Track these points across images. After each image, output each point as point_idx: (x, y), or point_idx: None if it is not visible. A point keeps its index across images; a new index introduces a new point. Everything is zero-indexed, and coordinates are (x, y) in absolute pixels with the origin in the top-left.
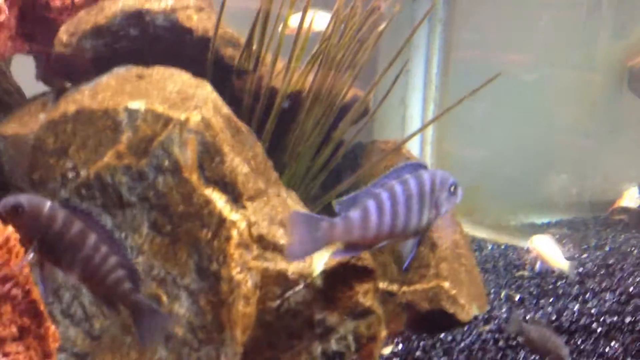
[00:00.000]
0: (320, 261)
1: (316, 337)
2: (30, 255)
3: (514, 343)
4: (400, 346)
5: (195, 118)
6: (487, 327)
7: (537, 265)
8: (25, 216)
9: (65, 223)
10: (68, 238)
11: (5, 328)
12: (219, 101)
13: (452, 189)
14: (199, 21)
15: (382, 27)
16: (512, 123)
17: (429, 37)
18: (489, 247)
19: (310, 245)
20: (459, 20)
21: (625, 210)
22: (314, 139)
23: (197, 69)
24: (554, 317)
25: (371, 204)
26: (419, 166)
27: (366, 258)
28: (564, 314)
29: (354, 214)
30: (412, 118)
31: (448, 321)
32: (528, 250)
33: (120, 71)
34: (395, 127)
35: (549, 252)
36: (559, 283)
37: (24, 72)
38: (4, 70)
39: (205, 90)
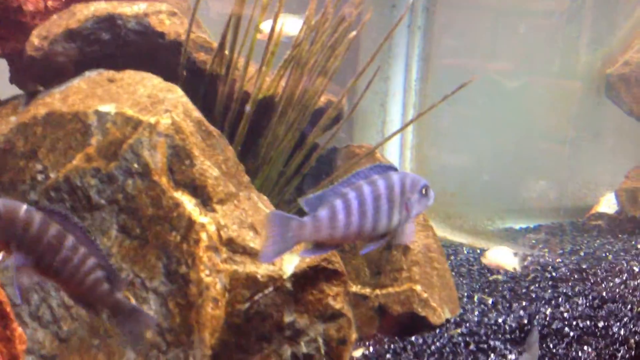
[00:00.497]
0: (290, 264)
1: (286, 340)
2: None
3: (485, 346)
4: (371, 349)
5: (165, 121)
6: (459, 330)
7: (502, 274)
8: (1, 220)
9: (42, 226)
10: (45, 241)
11: None
12: (190, 105)
13: (423, 191)
14: (171, 25)
15: (352, 34)
16: (492, 129)
17: (408, 44)
18: (465, 252)
19: (282, 245)
20: (438, 28)
21: (601, 216)
22: (286, 143)
23: (169, 74)
24: (525, 321)
25: (338, 203)
26: (389, 168)
27: (336, 261)
28: (536, 317)
29: (322, 213)
30: (392, 123)
31: (420, 324)
32: (487, 264)
33: (91, 75)
34: (375, 132)
35: (500, 259)
36: (532, 287)
37: None
38: None
39: (176, 95)
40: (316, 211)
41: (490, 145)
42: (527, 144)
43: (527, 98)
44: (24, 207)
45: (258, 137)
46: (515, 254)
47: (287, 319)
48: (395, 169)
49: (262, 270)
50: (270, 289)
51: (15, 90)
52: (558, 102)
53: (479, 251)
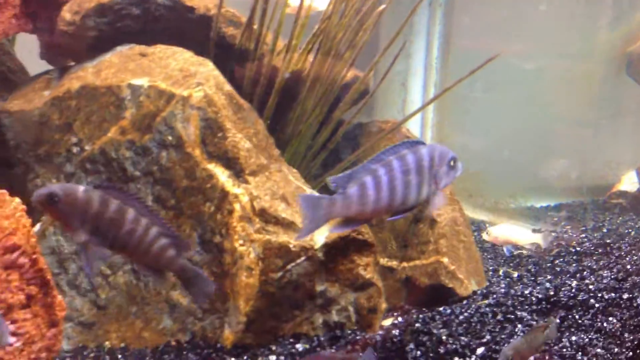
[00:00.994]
0: (321, 235)
1: (317, 308)
2: (37, 227)
3: (512, 317)
4: (399, 319)
5: (197, 94)
6: (486, 302)
7: (505, 250)
8: (62, 204)
9: (102, 203)
10: (107, 217)
11: (13, 295)
12: (221, 78)
13: (451, 163)
14: (200, 0)
15: (382, 7)
16: (512, 110)
17: (429, 21)
18: (488, 228)
19: (314, 223)
20: (459, 6)
21: (623, 194)
22: (314, 117)
23: (198, 48)
24: (551, 293)
25: (368, 180)
26: (417, 143)
27: (366, 232)
28: (562, 289)
29: (352, 190)
30: (412, 102)
31: (447, 296)
32: (488, 239)
33: (123, 49)
34: (396, 110)
35: (512, 235)
36: (556, 261)
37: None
38: (7, 49)
39: (208, 68)
40: (346, 188)
41: (510, 125)
42: (548, 123)
43: (548, 78)
44: (82, 188)
45: (285, 111)
46: (538, 231)
47: (319, 287)
48: (423, 144)
49: (294, 240)
50: (303, 258)
51: (45, 66)
52: (578, 81)
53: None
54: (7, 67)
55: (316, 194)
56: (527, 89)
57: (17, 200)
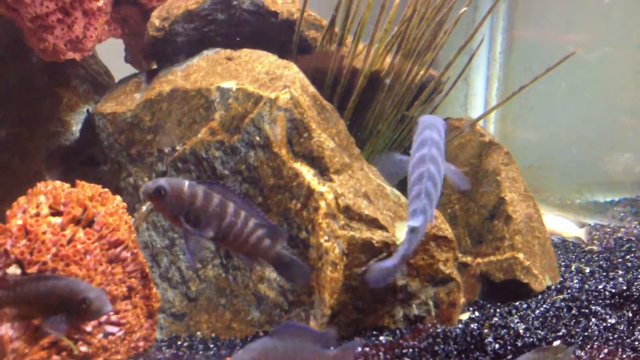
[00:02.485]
0: (402, 231)
1: (399, 302)
2: (132, 220)
3: (587, 311)
4: (476, 313)
5: (284, 96)
6: (561, 296)
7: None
8: (168, 197)
9: (206, 197)
10: (211, 210)
11: (117, 287)
12: (306, 81)
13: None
14: (283, 5)
15: (463, 10)
16: (576, 102)
17: (492, 16)
18: None
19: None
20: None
21: None
22: (392, 117)
23: (281, 51)
24: (624, 287)
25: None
26: None
27: (446, 228)
28: (635, 284)
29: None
30: (475, 96)
31: (521, 291)
32: None
33: (209, 53)
34: (458, 105)
35: (559, 226)
36: (627, 257)
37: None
38: (93, 53)
39: (293, 71)
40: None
41: (572, 119)
42: (611, 117)
43: (610, 70)
44: (187, 183)
45: (363, 111)
46: (582, 226)
47: (400, 282)
48: None
49: (376, 236)
50: (385, 254)
51: (122, 70)
52: None
53: None
54: (95, 70)
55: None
56: (590, 79)
57: (119, 197)
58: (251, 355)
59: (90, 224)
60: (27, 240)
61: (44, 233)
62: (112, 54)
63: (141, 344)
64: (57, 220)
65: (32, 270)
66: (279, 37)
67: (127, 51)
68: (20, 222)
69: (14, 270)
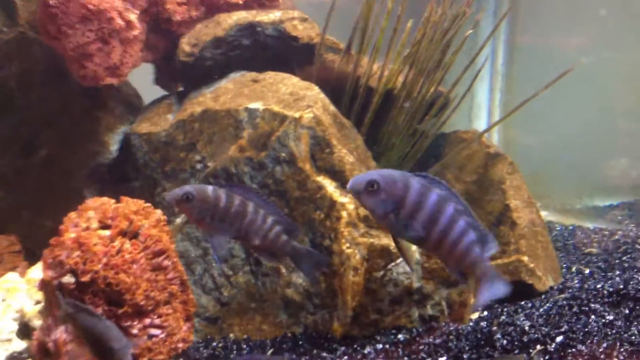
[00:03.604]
0: None
1: (414, 303)
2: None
3: (587, 309)
4: (485, 312)
5: (307, 116)
6: (563, 296)
7: None
8: (195, 202)
9: (228, 199)
10: (233, 210)
11: (160, 293)
12: (327, 101)
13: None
14: (303, 30)
15: (468, 33)
16: (574, 108)
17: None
18: (558, 228)
19: None
20: (523, 12)
21: None
22: (405, 131)
23: (301, 71)
24: (621, 286)
25: None
26: None
27: None
28: (630, 283)
29: None
30: (479, 107)
31: (526, 291)
32: None
33: (236, 76)
34: (463, 116)
35: None
36: (624, 258)
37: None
38: None
39: (314, 92)
40: None
41: (572, 124)
42: (609, 122)
43: (607, 75)
44: (211, 188)
45: (379, 126)
46: None
47: (416, 285)
48: None
49: (394, 243)
50: (401, 259)
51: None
52: (637, 78)
53: (570, 227)
54: (127, 92)
55: None
56: (590, 84)
57: (159, 211)
58: None
59: (135, 235)
60: (80, 251)
61: (95, 245)
62: (134, 76)
63: (180, 345)
64: (106, 233)
65: (86, 278)
66: (301, 60)
67: (157, 74)
68: (73, 235)
69: (68, 279)
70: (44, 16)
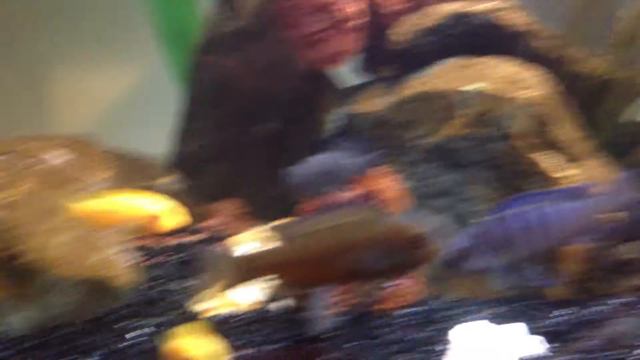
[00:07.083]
0: None
1: (623, 274)
2: None
3: None
4: None
5: (524, 95)
6: None
7: None
8: None
9: None
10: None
11: None
12: (542, 82)
13: None
14: (510, 19)
15: None
16: None
17: None
18: None
19: None
20: None
21: None
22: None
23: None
24: None
25: None
26: None
27: None
28: None
29: None
30: None
31: None
32: None
33: (449, 62)
34: None
35: None
36: None
37: None
38: None
39: (531, 73)
40: None
41: None
42: None
43: None
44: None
45: (590, 110)
46: None
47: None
48: None
49: None
50: None
51: None
52: None
53: None
54: (340, 77)
55: None
56: None
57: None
58: None
59: None
60: None
61: None
62: None
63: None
64: None
65: None
66: (510, 47)
67: (366, 61)
68: None
69: None
70: (280, 8)
